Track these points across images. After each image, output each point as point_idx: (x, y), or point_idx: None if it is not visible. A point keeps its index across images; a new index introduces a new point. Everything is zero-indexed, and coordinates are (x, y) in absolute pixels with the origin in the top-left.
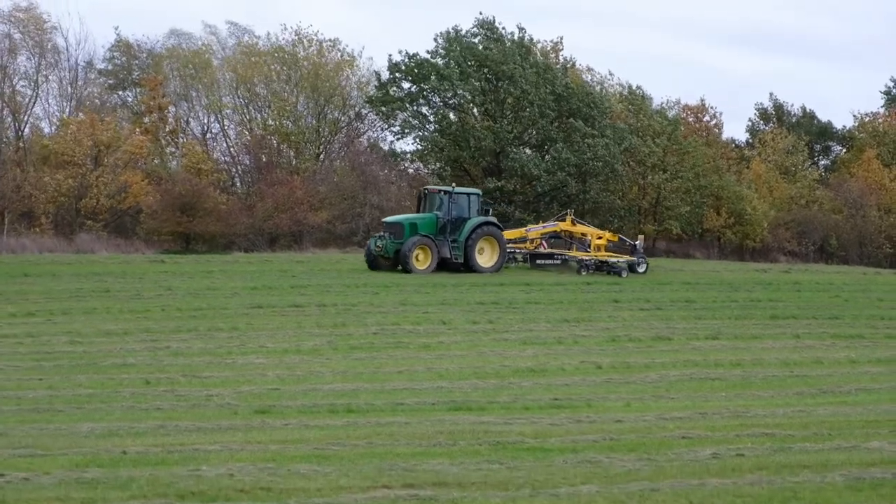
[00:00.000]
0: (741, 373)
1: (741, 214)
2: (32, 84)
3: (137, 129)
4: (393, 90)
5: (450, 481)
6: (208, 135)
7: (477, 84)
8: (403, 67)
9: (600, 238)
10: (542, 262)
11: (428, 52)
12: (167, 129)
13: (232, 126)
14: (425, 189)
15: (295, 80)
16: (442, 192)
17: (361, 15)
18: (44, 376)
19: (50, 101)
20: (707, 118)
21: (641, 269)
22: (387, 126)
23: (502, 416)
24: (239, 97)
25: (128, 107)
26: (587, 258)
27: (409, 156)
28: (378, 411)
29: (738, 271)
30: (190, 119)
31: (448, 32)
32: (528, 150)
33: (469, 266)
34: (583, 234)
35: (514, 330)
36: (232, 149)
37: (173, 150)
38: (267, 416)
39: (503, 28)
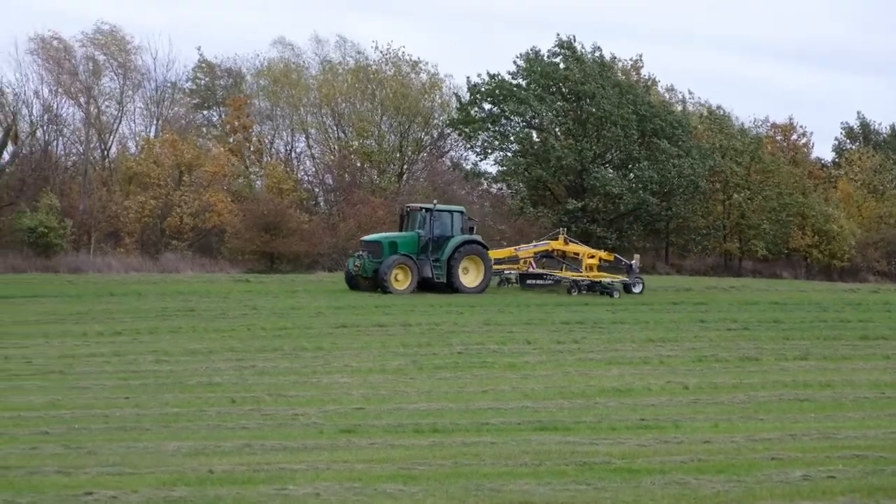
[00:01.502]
0: (831, 394)
1: (828, 234)
2: (117, 105)
3: (221, 148)
4: (474, 111)
5: (536, 502)
6: (292, 154)
7: (558, 104)
8: (483, 89)
9: (593, 257)
10: (533, 282)
11: (509, 72)
12: (251, 149)
13: (316, 146)
14: (407, 207)
15: (379, 99)
16: (423, 210)
17: (443, 37)
18: (131, 395)
19: (135, 120)
20: (795, 137)
21: (637, 289)
22: (468, 146)
23: (588, 437)
24: (323, 116)
25: (213, 126)
26: (579, 278)
27: (491, 176)
28: (463, 431)
29: (825, 291)
30: (275, 138)
31: (528, 53)
32: (610, 170)
33: (452, 286)
34: (575, 254)
35: (600, 350)
36: (316, 168)
37: (257, 169)
38: (352, 436)
39: (583, 47)
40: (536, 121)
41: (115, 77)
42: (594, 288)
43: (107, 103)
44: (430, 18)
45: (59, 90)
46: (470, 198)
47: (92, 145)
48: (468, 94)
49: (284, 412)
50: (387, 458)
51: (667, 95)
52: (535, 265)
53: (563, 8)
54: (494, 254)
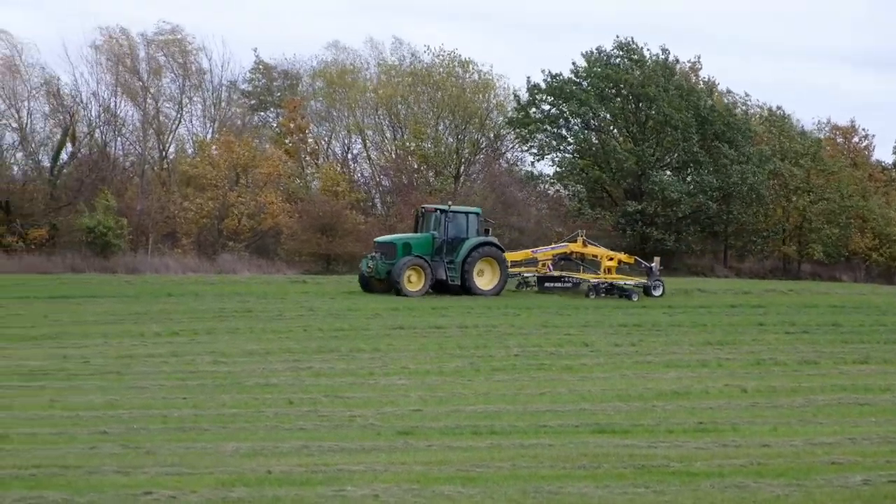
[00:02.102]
0: (891, 398)
1: (888, 236)
2: (177, 105)
3: (277, 150)
4: (532, 111)
5: None
6: (349, 155)
7: (618, 106)
8: (544, 87)
9: (611, 259)
10: (551, 285)
11: (571, 71)
12: (308, 150)
13: (373, 147)
14: (422, 208)
15: (435, 101)
16: (438, 211)
17: (501, 38)
18: (189, 395)
19: (193, 122)
20: (856, 139)
21: (657, 292)
22: (525, 148)
23: (646, 440)
24: (379, 118)
25: (270, 127)
26: (597, 280)
27: (548, 177)
28: (521, 433)
29: (886, 295)
30: (332, 140)
31: (589, 53)
32: (668, 173)
33: (466, 288)
34: (594, 256)
35: (657, 353)
36: (373, 169)
37: (313, 170)
38: (410, 438)
39: (645, 48)
40: (595, 122)
41: (176, 77)
42: (612, 291)
43: (166, 104)
44: (483, 21)
45: (119, 90)
46: (527, 199)
47: (150, 146)
48: (527, 93)
49: (342, 413)
50: (445, 460)
51: (725, 99)
52: (551, 268)
53: (619, 13)
54: (511, 256)
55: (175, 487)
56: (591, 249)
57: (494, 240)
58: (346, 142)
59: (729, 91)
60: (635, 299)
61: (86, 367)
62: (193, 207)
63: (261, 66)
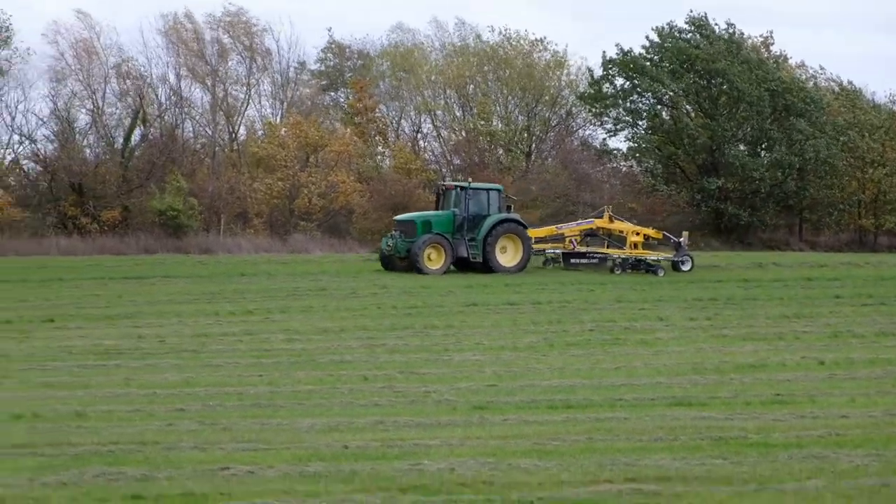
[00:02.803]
0: None
1: None
2: (244, 87)
3: (347, 129)
4: (605, 87)
5: (673, 476)
6: (419, 134)
7: (689, 81)
8: (617, 62)
9: (637, 235)
10: (577, 261)
11: (642, 47)
12: (377, 130)
13: (443, 126)
14: (442, 185)
15: (504, 79)
16: (458, 188)
17: (568, 14)
18: (264, 373)
19: (262, 103)
20: None
21: (686, 267)
22: (598, 123)
23: (723, 412)
24: (449, 98)
25: (340, 107)
26: (623, 256)
27: (621, 153)
28: (597, 407)
29: None
30: (401, 119)
31: (661, 28)
32: (742, 147)
33: (488, 265)
34: (620, 231)
35: (733, 326)
36: (443, 148)
37: (383, 150)
38: (485, 412)
39: (716, 24)
40: (667, 98)
41: (242, 60)
42: (639, 266)
43: (234, 87)
44: None
45: (187, 73)
46: (599, 176)
47: (219, 128)
48: (601, 69)
49: (416, 389)
50: (520, 434)
51: (797, 72)
52: (575, 244)
53: None
54: (535, 232)
55: (252, 463)
56: (618, 225)
57: (517, 216)
58: (415, 121)
59: (802, 64)
60: (661, 275)
61: (161, 346)
62: (263, 188)
63: (333, 46)
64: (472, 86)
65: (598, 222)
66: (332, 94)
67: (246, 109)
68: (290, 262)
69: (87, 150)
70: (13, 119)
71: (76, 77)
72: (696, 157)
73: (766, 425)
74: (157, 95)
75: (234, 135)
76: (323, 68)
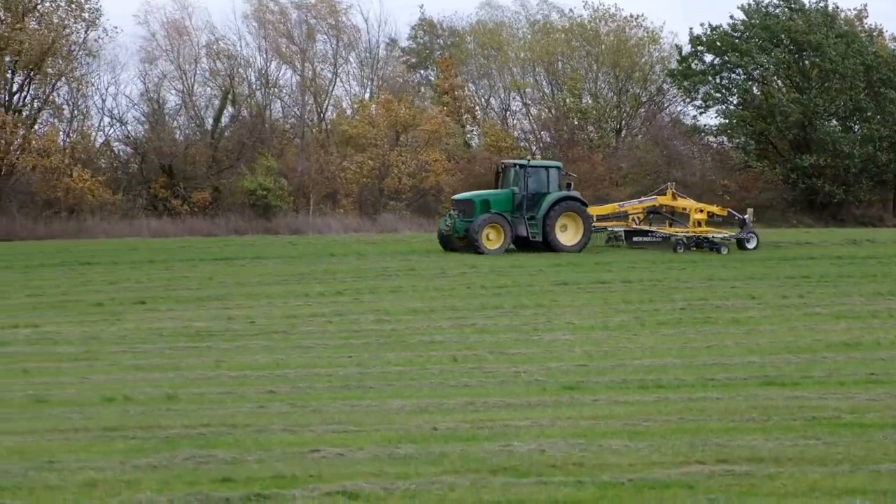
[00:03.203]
0: None
1: None
2: (332, 66)
3: (437, 108)
4: (694, 64)
5: (765, 457)
6: (508, 112)
7: (780, 56)
8: (705, 40)
9: (700, 212)
10: (640, 239)
11: (730, 23)
12: (465, 108)
13: (532, 103)
14: (501, 163)
15: (595, 55)
16: (517, 166)
17: None
18: (353, 354)
19: (351, 82)
20: None
21: (751, 245)
22: (689, 100)
23: (816, 391)
24: (539, 75)
25: (430, 85)
26: (685, 234)
27: (712, 130)
28: (688, 387)
29: None
30: (490, 97)
31: (748, 5)
32: (834, 122)
33: (549, 244)
34: (683, 209)
35: (827, 304)
36: (532, 126)
37: (472, 128)
38: (575, 392)
39: None
40: (758, 73)
41: (328, 39)
42: (702, 244)
43: (321, 66)
44: None
45: (275, 54)
46: (690, 153)
47: (308, 108)
48: (689, 45)
49: (506, 370)
50: (611, 415)
51: (892, 45)
52: (637, 221)
53: None
54: (597, 210)
55: (342, 445)
56: (681, 202)
57: (577, 194)
58: (504, 99)
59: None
60: (724, 252)
61: (251, 328)
62: (353, 166)
63: (424, 23)
64: (560, 62)
65: (661, 199)
66: (422, 72)
67: (333, 89)
68: (380, 241)
69: (177, 132)
70: (104, 101)
71: (167, 58)
72: (787, 132)
73: (861, 405)
74: (246, 76)
75: (322, 115)
76: (414, 45)
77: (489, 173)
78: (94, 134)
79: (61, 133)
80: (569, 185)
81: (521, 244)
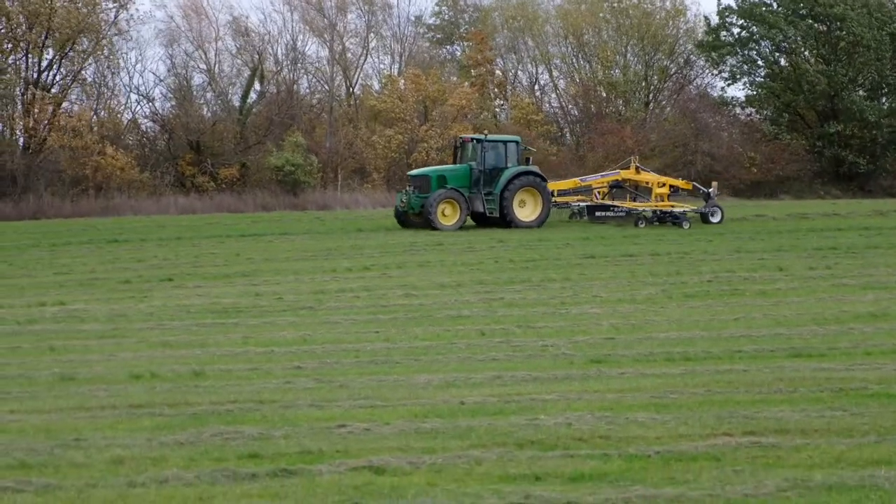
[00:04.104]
0: None
1: None
2: (362, 42)
3: (465, 83)
4: (723, 35)
5: (791, 428)
6: (536, 86)
7: (808, 27)
8: (735, 10)
9: (662, 186)
10: (602, 213)
11: None
12: (495, 82)
13: (560, 77)
14: (460, 138)
15: (624, 28)
16: (474, 141)
17: None
18: (380, 329)
19: (380, 57)
20: None
21: (715, 218)
22: (716, 72)
23: (843, 363)
24: (567, 47)
25: (456, 61)
26: (647, 209)
27: (740, 101)
28: (715, 359)
29: None
30: (518, 71)
31: None
32: (861, 93)
33: (506, 220)
34: (647, 183)
35: (854, 275)
36: (561, 99)
37: (501, 102)
38: (602, 366)
39: None
40: (785, 45)
41: (362, 14)
42: (664, 219)
43: (351, 41)
44: None
45: (305, 28)
46: (718, 125)
47: (336, 83)
48: (717, 17)
49: (534, 343)
50: (638, 388)
51: None
52: (598, 196)
53: None
54: (557, 185)
55: (369, 420)
56: (644, 176)
57: (536, 168)
58: (532, 72)
59: None
60: (686, 227)
61: (279, 304)
62: (382, 141)
63: (448, 0)
64: (589, 35)
65: (624, 173)
66: (448, 47)
67: (364, 63)
68: None
69: (205, 108)
70: (131, 79)
71: (187, 38)
72: (815, 104)
73: (888, 376)
74: (273, 52)
75: (351, 90)
76: (438, 22)
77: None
78: (121, 111)
79: (91, 112)
80: (528, 160)
81: (480, 220)
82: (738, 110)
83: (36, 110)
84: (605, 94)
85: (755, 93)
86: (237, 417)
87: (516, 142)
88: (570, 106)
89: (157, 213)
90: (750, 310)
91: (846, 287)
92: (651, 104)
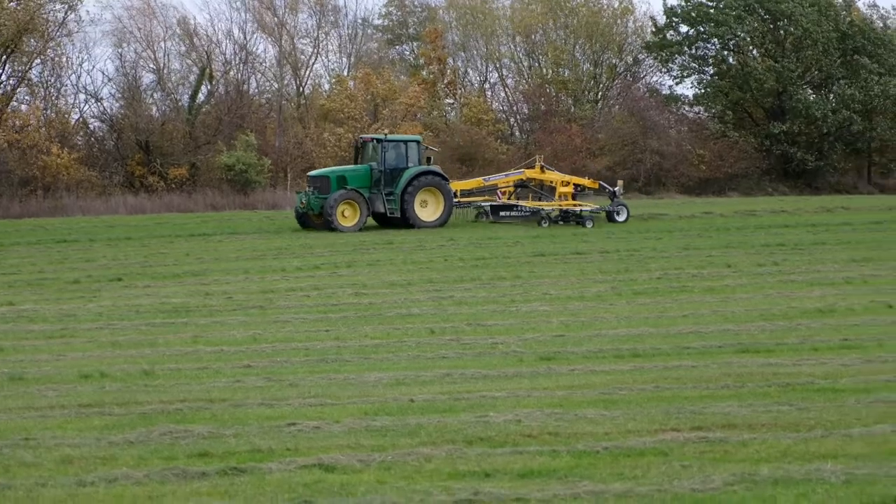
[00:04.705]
0: None
1: None
2: (313, 41)
3: (414, 82)
4: (670, 34)
5: (739, 423)
6: (486, 85)
7: (755, 24)
8: (680, 11)
9: (566, 185)
10: (506, 213)
11: None
12: (445, 81)
13: (510, 76)
14: (360, 138)
15: (572, 27)
16: (374, 141)
17: None
18: (330, 327)
19: (329, 57)
20: None
21: (620, 217)
22: (665, 70)
23: (791, 358)
24: (516, 46)
25: (405, 61)
26: (550, 208)
27: (688, 99)
28: (664, 355)
29: None
30: (468, 70)
31: None
32: (809, 90)
33: (407, 220)
34: (551, 182)
35: (801, 271)
36: (510, 98)
37: (451, 101)
38: (552, 363)
39: None
40: (733, 42)
41: (313, 14)
42: (568, 218)
43: (303, 41)
44: None
45: (255, 27)
46: (666, 122)
47: (286, 82)
48: (664, 17)
49: (483, 341)
50: (587, 384)
51: (868, 12)
52: (500, 196)
53: None
54: (461, 185)
55: (318, 418)
56: (549, 175)
57: (437, 168)
58: (482, 70)
59: (873, 4)
60: (589, 226)
61: (228, 303)
62: (332, 139)
63: (395, 1)
64: (539, 34)
65: (529, 172)
66: (398, 47)
67: (314, 64)
68: None
69: (154, 108)
70: (79, 78)
71: (135, 38)
72: (762, 101)
73: (834, 370)
74: (222, 51)
75: (300, 89)
76: (387, 23)
77: (467, 145)
78: (69, 111)
79: (38, 111)
80: (429, 160)
81: (382, 221)
82: (686, 108)
83: None
84: (554, 93)
85: (703, 91)
86: (187, 416)
87: (417, 141)
88: (519, 104)
89: (106, 214)
90: (698, 306)
91: (793, 283)
92: (600, 102)
